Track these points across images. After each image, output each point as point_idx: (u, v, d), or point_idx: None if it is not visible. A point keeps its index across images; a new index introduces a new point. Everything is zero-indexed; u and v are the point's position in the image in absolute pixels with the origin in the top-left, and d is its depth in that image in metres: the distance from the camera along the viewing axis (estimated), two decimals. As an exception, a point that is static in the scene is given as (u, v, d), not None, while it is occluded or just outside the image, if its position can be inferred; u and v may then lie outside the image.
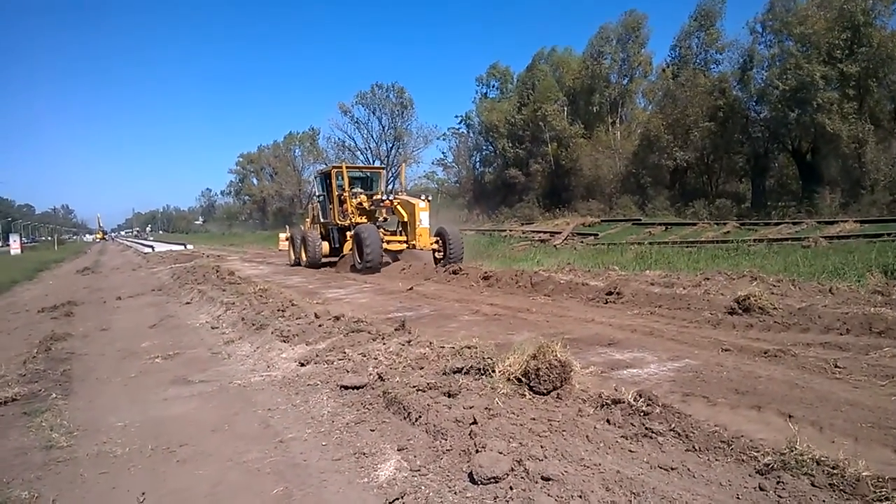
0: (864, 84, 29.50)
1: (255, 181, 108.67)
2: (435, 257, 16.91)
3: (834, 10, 29.91)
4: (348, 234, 18.02)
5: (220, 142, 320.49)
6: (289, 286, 13.38)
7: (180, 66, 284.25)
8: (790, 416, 3.81)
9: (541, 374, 4.29)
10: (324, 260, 19.11)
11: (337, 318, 7.54)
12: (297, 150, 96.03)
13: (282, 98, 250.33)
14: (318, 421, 4.34)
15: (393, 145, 71.88)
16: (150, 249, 42.73)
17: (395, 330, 6.51)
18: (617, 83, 46.01)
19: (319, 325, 7.27)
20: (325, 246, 19.22)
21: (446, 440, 3.56)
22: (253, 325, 7.98)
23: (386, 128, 70.59)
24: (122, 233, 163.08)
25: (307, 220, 22.61)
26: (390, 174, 51.40)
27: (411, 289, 11.73)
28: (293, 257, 21.07)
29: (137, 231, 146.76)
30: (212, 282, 13.76)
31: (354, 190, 18.77)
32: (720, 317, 7.11)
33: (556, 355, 4.33)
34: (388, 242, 16.97)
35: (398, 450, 3.64)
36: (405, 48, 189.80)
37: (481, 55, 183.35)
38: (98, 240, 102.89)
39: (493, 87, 60.65)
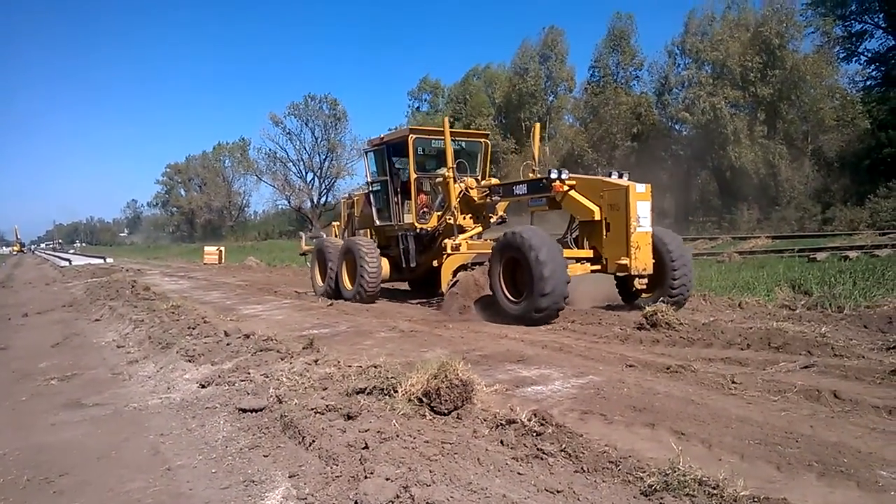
0: (777, 106, 30.97)
1: (182, 192, 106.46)
2: (634, 287, 9.01)
3: (748, 33, 31.41)
4: (448, 244, 10.79)
5: (146, 152, 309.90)
6: (205, 302, 12.99)
7: (104, 71, 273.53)
8: (682, 434, 3.87)
9: (441, 393, 4.22)
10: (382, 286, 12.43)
11: (247, 337, 7.27)
12: (227, 161, 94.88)
13: (211, 108, 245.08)
14: (211, 447, 4.15)
15: (326, 157, 71.56)
16: (66, 263, 40.88)
17: (304, 349, 6.35)
18: (542, 99, 46.96)
19: (227, 344, 7.01)
20: (386, 265, 12.24)
21: (337, 466, 3.45)
22: (159, 343, 7.64)
23: (319, 139, 70.37)
24: (43, 245, 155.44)
25: (337, 224, 15.47)
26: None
27: (331, 304, 11.54)
28: (321, 285, 13.52)
29: (58, 244, 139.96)
30: (125, 297, 13.18)
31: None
32: (629, 332, 7.25)
33: (458, 374, 4.27)
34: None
35: (289, 476, 3.50)
36: (338, 61, 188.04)
37: (415, 68, 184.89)
38: (15, 252, 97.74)
39: (425, 100, 61.30)
